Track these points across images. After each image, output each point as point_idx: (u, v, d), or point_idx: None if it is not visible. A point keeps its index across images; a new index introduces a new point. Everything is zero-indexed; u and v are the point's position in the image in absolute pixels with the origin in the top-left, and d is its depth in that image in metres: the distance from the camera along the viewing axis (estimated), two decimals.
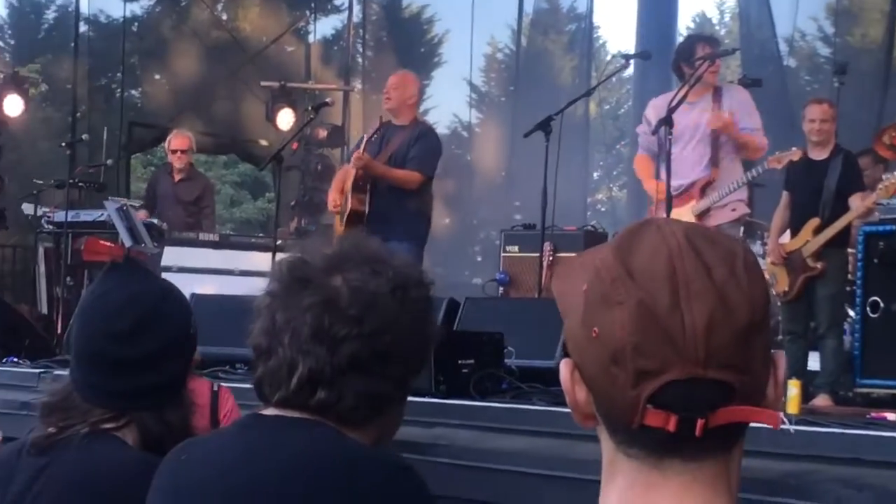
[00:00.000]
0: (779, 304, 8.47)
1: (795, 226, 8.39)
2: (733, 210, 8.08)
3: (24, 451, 2.66)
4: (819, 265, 8.12)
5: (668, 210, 7.28)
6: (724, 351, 1.35)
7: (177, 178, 11.82)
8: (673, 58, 8.52)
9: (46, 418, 2.67)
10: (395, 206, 8.51)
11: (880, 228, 8.00)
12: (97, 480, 2.52)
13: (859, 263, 8.24)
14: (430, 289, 2.28)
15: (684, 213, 7.84)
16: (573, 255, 8.80)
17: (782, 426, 4.32)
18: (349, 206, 8.61)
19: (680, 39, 15.42)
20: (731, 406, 1.36)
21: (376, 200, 8.57)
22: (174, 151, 11.83)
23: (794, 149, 8.31)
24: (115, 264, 2.75)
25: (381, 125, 8.97)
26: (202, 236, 11.09)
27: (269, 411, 2.19)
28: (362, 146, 8.87)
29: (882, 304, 7.80)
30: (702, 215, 7.87)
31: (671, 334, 1.34)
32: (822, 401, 7.70)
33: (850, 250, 8.49)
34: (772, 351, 1.42)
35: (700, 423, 1.35)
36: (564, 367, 1.46)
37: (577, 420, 1.48)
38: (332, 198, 8.92)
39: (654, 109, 8.20)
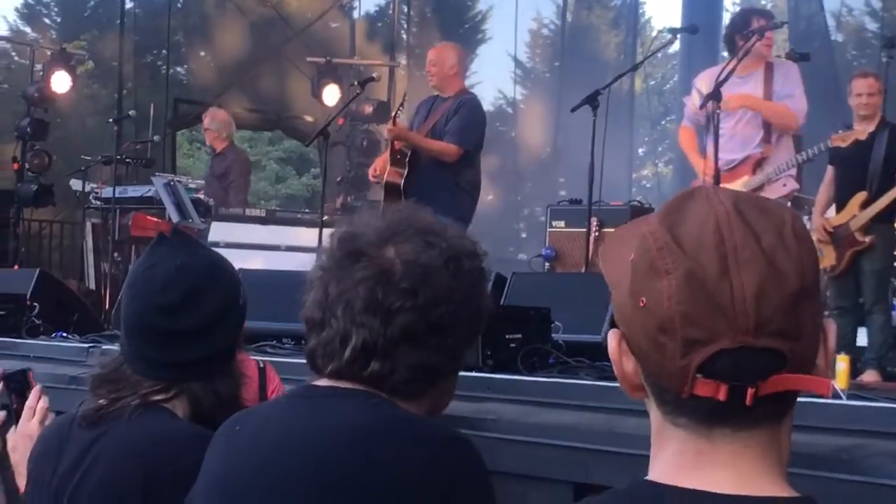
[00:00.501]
0: (825, 278, 8.44)
1: (841, 200, 8.34)
2: (784, 185, 8.03)
3: (75, 423, 2.66)
4: (867, 239, 8.07)
5: (716, 185, 7.25)
6: (775, 319, 1.34)
7: (216, 152, 11.97)
8: (726, 30, 8.46)
9: (96, 391, 2.68)
10: (434, 181, 8.40)
11: None
12: (149, 452, 2.52)
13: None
14: (483, 260, 2.27)
15: (736, 188, 7.80)
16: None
17: (834, 395, 4.33)
18: (385, 177, 8.57)
19: (726, 14, 15.39)
20: (781, 374, 1.36)
21: (415, 174, 8.49)
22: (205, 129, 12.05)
23: (857, 127, 8.28)
24: (163, 237, 2.73)
25: (429, 97, 8.96)
26: (248, 212, 11.13)
27: (323, 382, 2.20)
28: (393, 119, 8.88)
29: None
30: (755, 191, 7.82)
31: (720, 303, 1.34)
32: (869, 376, 7.67)
33: None
34: (822, 320, 1.41)
35: (750, 391, 1.35)
36: (612, 338, 1.46)
37: (625, 391, 1.48)
38: (374, 166, 8.94)
39: (705, 80, 8.12)
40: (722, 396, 1.35)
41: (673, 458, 1.42)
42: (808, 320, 1.38)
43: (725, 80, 7.35)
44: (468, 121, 8.57)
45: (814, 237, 8.41)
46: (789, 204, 8.44)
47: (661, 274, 1.37)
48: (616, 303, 1.44)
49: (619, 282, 1.43)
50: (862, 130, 7.97)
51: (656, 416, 1.45)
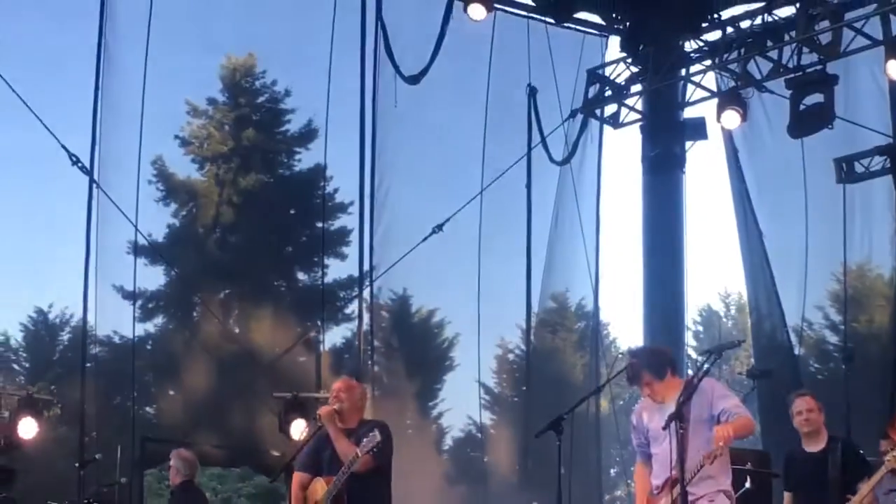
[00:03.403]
0: None
1: None
2: (711, 501, 7.77)
3: None
4: None
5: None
6: None
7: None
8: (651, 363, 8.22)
9: None
10: None
11: None
12: None
13: None
14: None
15: None
16: None
17: None
18: None
19: (688, 333, 15.57)
20: None
21: None
22: None
23: (805, 446, 8.39)
24: None
25: (321, 435, 8.95)
26: None
27: None
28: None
29: None
30: None
31: None
32: None
33: None
34: None
35: None
36: None
37: None
38: None
39: (636, 415, 8.25)
40: None
41: None
42: None
43: (687, 400, 7.39)
44: (386, 438, 8.37)
45: None
46: None
47: None
48: None
49: None
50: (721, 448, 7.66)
51: None
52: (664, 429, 7.56)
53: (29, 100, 13.46)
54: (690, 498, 7.40)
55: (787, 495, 8.65)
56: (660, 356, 8.23)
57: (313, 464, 8.83)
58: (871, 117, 15.48)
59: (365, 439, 8.18)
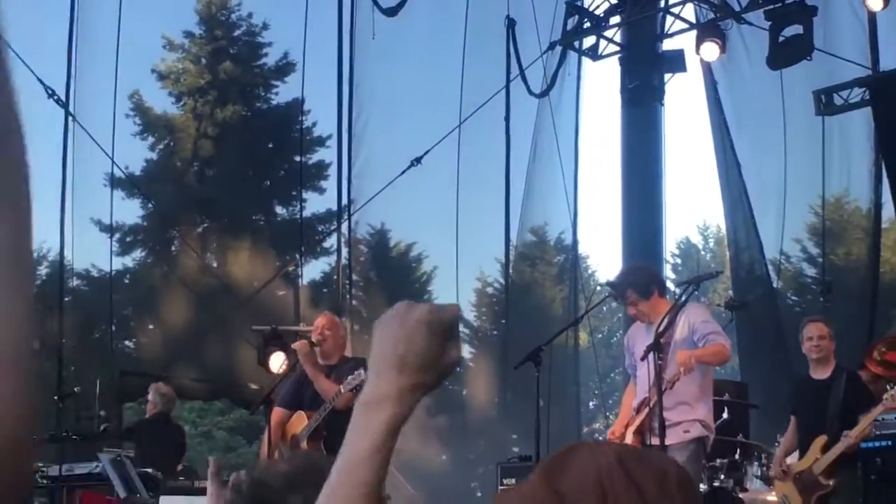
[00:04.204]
0: None
1: (804, 445, 8.39)
2: (686, 431, 7.74)
3: None
4: (831, 482, 8.10)
5: (662, 439, 7.18)
6: None
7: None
8: (638, 280, 8.20)
9: None
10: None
11: (877, 444, 7.97)
12: None
13: (859, 481, 8.20)
14: None
15: (628, 433, 7.81)
16: None
17: None
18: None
19: (667, 266, 15.59)
20: None
21: (330, 443, 8.43)
22: None
23: (812, 373, 8.43)
24: None
25: (295, 377, 8.98)
26: (197, 483, 10.97)
27: None
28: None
29: None
30: (638, 434, 7.72)
31: None
32: None
33: None
34: None
35: None
36: None
37: None
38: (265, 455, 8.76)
39: (628, 337, 8.28)
40: None
41: None
42: None
43: (665, 330, 7.43)
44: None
45: (775, 479, 8.44)
46: (697, 448, 8.00)
47: None
48: None
49: None
50: (677, 376, 7.62)
51: None
52: (642, 359, 7.61)
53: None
54: (667, 423, 7.42)
55: (793, 418, 8.70)
56: (643, 275, 8.24)
57: (294, 400, 8.83)
58: (850, 49, 15.42)
59: (350, 377, 8.15)
